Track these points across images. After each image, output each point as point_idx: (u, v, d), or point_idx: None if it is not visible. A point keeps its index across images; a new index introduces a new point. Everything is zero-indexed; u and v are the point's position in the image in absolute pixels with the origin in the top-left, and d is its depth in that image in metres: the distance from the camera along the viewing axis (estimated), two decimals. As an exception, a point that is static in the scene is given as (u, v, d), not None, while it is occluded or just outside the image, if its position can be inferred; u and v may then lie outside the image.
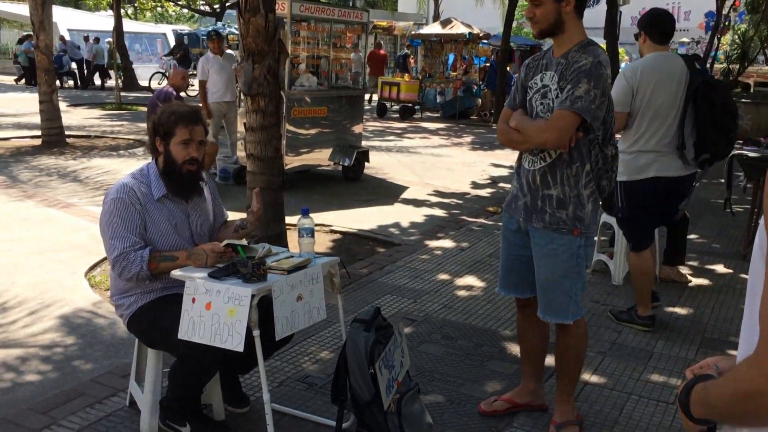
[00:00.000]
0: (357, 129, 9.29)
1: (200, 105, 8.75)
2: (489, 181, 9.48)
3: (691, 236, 6.19)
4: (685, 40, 34.63)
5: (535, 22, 2.85)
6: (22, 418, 3.12)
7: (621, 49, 28.88)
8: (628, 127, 4.19)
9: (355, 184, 9.02)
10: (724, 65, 22.52)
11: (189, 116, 2.94)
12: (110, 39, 21.85)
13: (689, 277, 5.45)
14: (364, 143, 9.74)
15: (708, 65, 19.62)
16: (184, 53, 21.15)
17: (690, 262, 5.80)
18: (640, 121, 4.15)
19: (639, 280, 4.42)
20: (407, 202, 8.08)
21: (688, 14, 39.13)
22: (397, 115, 17.84)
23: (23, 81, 23.51)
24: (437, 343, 4.12)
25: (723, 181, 6.27)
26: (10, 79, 25.05)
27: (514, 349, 4.03)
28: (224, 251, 2.84)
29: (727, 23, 22.32)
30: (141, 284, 2.90)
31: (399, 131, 14.81)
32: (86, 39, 23.75)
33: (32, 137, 11.53)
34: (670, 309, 4.81)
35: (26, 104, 16.26)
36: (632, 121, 4.16)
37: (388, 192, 8.61)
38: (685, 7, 39.37)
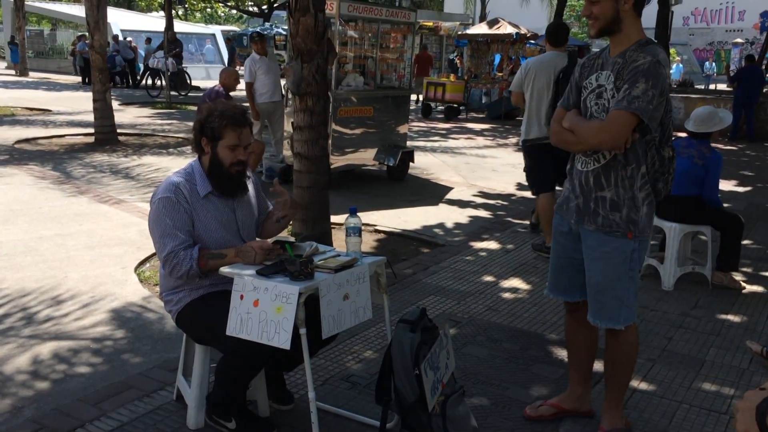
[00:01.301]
0: (402, 129, 9.28)
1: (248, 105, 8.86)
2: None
3: (745, 242, 6.01)
4: (739, 40, 33.77)
5: (593, 20, 2.79)
6: (73, 409, 3.19)
7: (672, 50, 28.33)
8: (527, 102, 5.82)
9: (399, 184, 9.01)
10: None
11: (238, 119, 2.95)
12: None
13: (743, 284, 5.29)
14: (408, 143, 9.72)
15: (763, 66, 19.09)
16: (179, 51, 20.91)
17: (744, 269, 5.63)
18: (529, 99, 5.82)
19: (542, 216, 5.97)
20: (452, 202, 8.04)
21: (743, 14, 38.13)
22: (442, 116, 17.79)
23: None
24: (482, 345, 4.08)
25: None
26: (66, 78, 25.77)
27: (560, 353, 3.97)
28: (272, 249, 2.85)
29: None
30: (190, 281, 2.94)
31: (444, 132, 14.76)
32: (148, 41, 24.39)
33: (86, 135, 11.82)
34: (723, 316, 4.67)
35: (80, 103, 16.71)
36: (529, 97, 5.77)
37: (432, 192, 8.58)
38: (739, 6, 38.36)
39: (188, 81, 21.06)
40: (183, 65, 21.29)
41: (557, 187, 5.95)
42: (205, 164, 3.01)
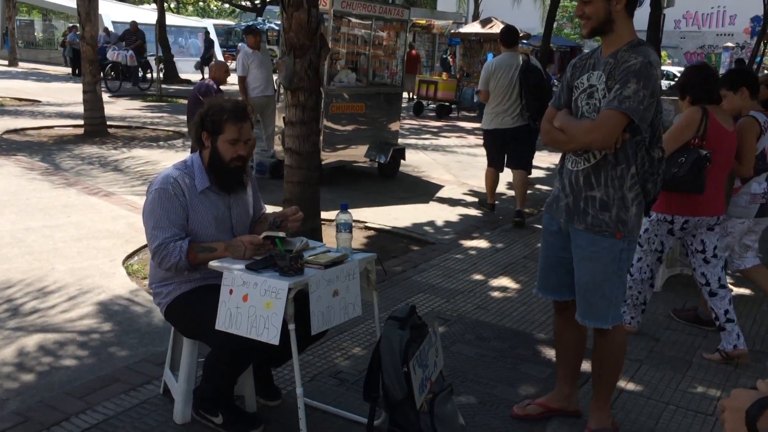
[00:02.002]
0: (394, 126, 9.27)
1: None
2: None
3: (734, 245, 6.03)
4: (730, 45, 33.95)
5: (585, 20, 2.80)
6: (59, 402, 3.17)
7: (663, 52, 28.45)
8: (490, 98, 6.97)
9: (390, 181, 9.01)
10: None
11: (239, 114, 2.94)
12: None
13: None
14: (400, 141, 9.72)
15: (754, 70, 19.20)
16: (141, 42, 20.17)
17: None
18: (492, 95, 6.94)
19: (487, 182, 7.48)
20: (442, 200, 8.04)
21: (734, 18, 38.33)
22: (433, 114, 17.78)
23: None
24: (470, 343, 4.08)
25: None
26: (56, 69, 25.57)
27: (548, 352, 3.98)
28: (263, 243, 2.84)
29: (775, 28, 21.76)
30: (180, 274, 2.92)
31: (435, 130, 14.76)
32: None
33: (75, 126, 11.74)
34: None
35: (70, 94, 16.58)
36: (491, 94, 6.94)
37: (423, 190, 8.58)
38: (730, 11, 38.57)
39: (141, 74, 20.22)
40: (146, 57, 20.41)
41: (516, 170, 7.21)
42: (204, 158, 2.99)
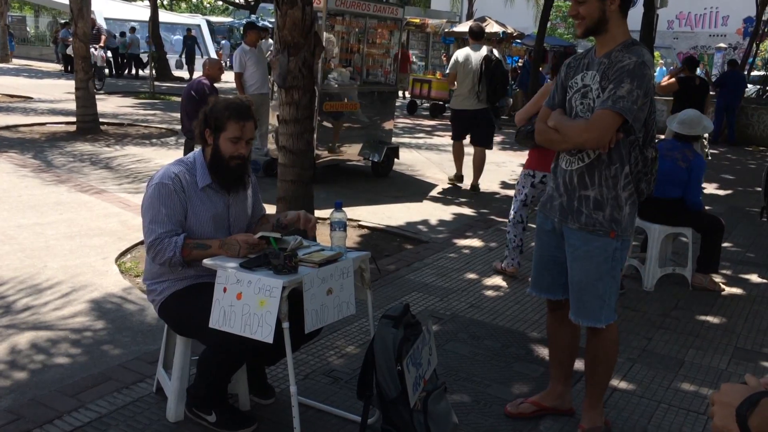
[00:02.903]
0: (388, 125, 9.27)
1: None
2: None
3: (726, 244, 6.07)
4: (722, 45, 34.06)
5: (580, 20, 2.80)
6: (51, 400, 3.16)
7: (656, 53, 28.52)
8: (457, 82, 8.23)
9: (384, 180, 9.00)
10: (763, 72, 22.08)
11: (242, 112, 2.93)
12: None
13: (723, 286, 5.35)
14: (394, 140, 9.72)
15: (746, 71, 19.29)
16: (105, 37, 19.55)
17: (724, 271, 5.69)
18: (459, 80, 8.21)
19: (455, 156, 8.81)
20: (436, 199, 8.05)
21: (726, 19, 38.46)
22: (427, 113, 17.78)
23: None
24: (464, 342, 4.09)
25: (760, 189, 6.14)
26: (48, 66, 25.45)
27: (542, 351, 3.99)
28: (257, 242, 2.83)
29: (766, 29, 21.86)
30: (174, 271, 2.91)
31: (429, 129, 14.77)
32: (132, 31, 23.98)
33: (67, 123, 11.69)
34: (702, 317, 4.72)
35: (62, 91, 16.51)
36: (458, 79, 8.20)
37: (416, 189, 8.58)
38: (723, 11, 38.70)
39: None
40: (106, 53, 19.74)
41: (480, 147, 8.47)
42: (207, 156, 2.98)
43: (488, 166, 10.41)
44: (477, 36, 8.48)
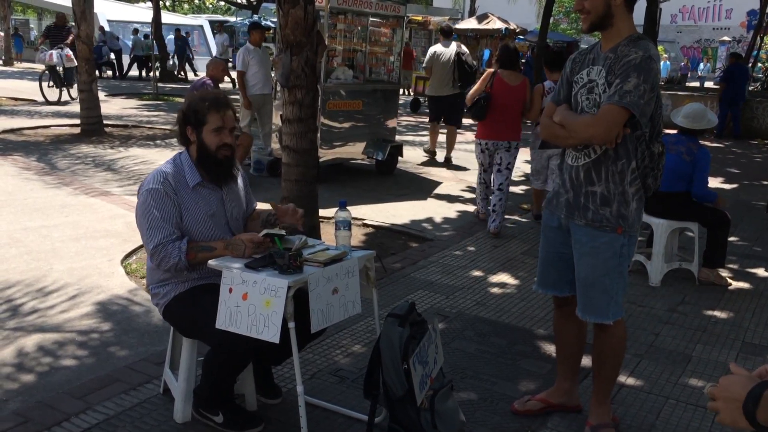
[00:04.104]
0: (391, 123, 9.25)
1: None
2: (522, 179, 9.38)
3: (732, 239, 6.05)
4: (726, 38, 33.98)
5: (585, 14, 2.79)
6: (58, 402, 3.16)
7: (660, 47, 28.45)
8: (432, 73, 9.90)
9: (388, 178, 9.00)
10: (767, 64, 21.98)
11: (220, 101, 2.93)
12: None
13: (729, 280, 5.33)
14: (397, 137, 9.71)
15: (749, 64, 19.22)
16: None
17: (730, 265, 5.68)
18: (434, 71, 9.88)
19: (431, 134, 10.55)
20: (440, 197, 8.04)
21: (730, 12, 38.35)
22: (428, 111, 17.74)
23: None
24: (470, 340, 4.08)
25: (766, 183, 6.12)
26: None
27: (548, 348, 3.98)
28: (262, 241, 2.83)
29: (770, 22, 21.78)
30: (178, 274, 2.91)
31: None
32: (135, 32, 23.91)
33: (71, 126, 11.71)
34: (710, 312, 4.71)
35: (66, 93, 16.50)
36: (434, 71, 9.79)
37: (421, 187, 8.57)
38: (726, 5, 38.59)
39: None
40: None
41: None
42: (192, 154, 2.97)
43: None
44: (447, 34, 10.27)
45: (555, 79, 6.35)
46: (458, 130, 10.51)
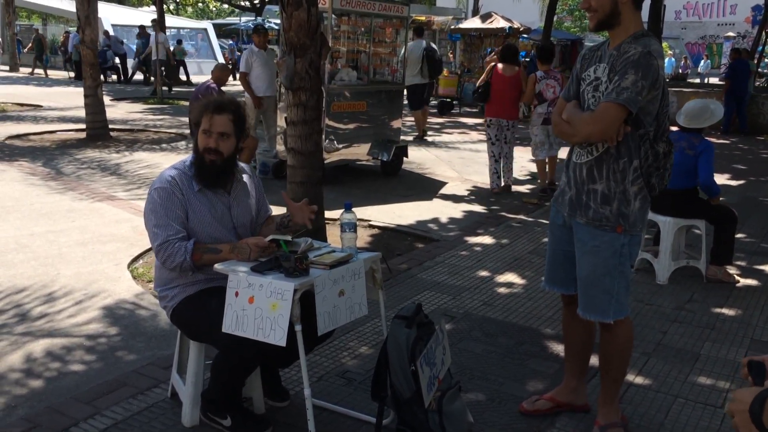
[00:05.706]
0: (396, 124, 9.25)
1: (244, 98, 8.83)
2: (528, 177, 9.37)
3: (739, 235, 6.01)
4: (731, 34, 33.82)
5: (592, 12, 2.78)
6: (67, 407, 3.17)
7: (665, 43, 28.38)
8: (407, 66, 10.37)
9: (393, 179, 8.99)
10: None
11: (215, 105, 2.94)
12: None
13: (737, 278, 5.30)
14: (402, 138, 9.71)
15: (755, 60, 19.13)
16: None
17: (738, 262, 5.65)
18: (408, 64, 10.57)
19: (417, 123, 12.65)
20: (446, 197, 8.03)
21: (734, 8, 38.19)
22: (435, 110, 17.74)
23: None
24: (477, 340, 4.07)
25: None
26: (57, 73, 25.59)
27: (556, 348, 3.97)
28: (268, 246, 2.83)
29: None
30: (184, 275, 2.92)
31: (437, 126, 14.72)
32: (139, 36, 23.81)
33: (77, 130, 11.75)
34: (718, 310, 4.68)
35: (71, 98, 16.59)
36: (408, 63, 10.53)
37: (426, 187, 8.57)
38: (731, 0, 38.43)
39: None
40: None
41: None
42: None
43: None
44: (419, 33, 12.59)
45: (545, 70, 7.94)
46: (462, 131, 10.73)
